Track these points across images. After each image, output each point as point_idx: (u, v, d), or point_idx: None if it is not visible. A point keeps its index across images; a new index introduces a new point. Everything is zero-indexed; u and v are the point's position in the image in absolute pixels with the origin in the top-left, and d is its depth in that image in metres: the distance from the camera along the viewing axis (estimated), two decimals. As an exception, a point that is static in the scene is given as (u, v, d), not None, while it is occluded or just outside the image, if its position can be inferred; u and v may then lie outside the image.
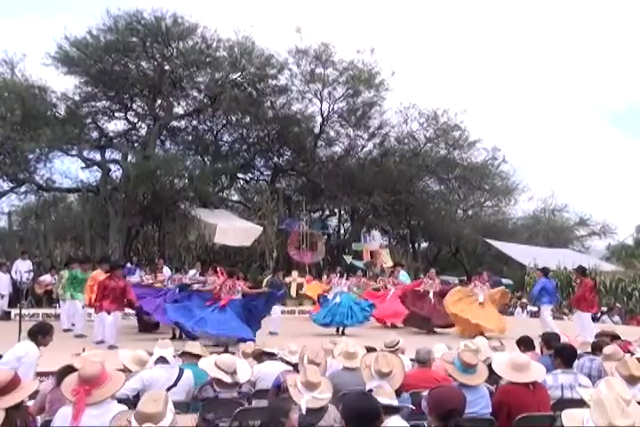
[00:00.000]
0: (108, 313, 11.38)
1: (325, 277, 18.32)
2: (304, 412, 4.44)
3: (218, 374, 5.54)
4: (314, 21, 52.47)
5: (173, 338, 11.68)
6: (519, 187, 33.23)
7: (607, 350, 6.63)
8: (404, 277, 18.53)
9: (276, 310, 14.63)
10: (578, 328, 12.95)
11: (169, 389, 5.52)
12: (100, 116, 24.41)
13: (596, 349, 6.93)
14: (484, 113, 58.74)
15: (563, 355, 5.87)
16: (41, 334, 6.46)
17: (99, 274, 12.76)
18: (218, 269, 13.09)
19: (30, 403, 4.79)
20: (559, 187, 77.83)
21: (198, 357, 6.33)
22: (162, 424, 3.72)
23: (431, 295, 15.13)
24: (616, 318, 20.94)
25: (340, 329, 14.59)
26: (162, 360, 5.87)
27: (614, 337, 8.09)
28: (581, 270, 14.47)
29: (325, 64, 25.66)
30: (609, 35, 68.61)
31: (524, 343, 7.17)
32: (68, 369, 4.98)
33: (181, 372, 5.79)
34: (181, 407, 5.25)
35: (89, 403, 4.13)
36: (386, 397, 4.31)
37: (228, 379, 5.52)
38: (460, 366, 5.31)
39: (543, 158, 65.26)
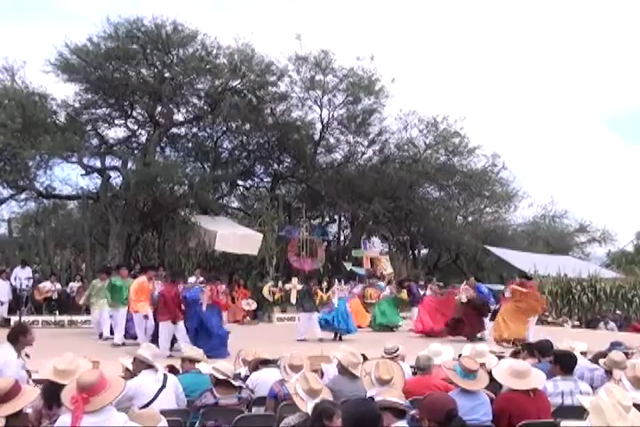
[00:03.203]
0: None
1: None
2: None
3: (220, 376, 5.54)
4: (314, 28, 52.75)
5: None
6: (519, 193, 33.28)
7: (609, 357, 6.60)
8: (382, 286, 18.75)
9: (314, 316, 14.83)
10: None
11: (159, 391, 5.52)
12: (101, 124, 24.40)
13: (600, 357, 6.90)
14: (483, 119, 58.94)
15: (562, 362, 5.87)
16: (22, 334, 6.36)
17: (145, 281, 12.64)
18: None
19: (30, 411, 4.76)
20: (559, 193, 77.84)
21: (196, 362, 6.36)
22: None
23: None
24: (611, 324, 20.91)
25: (338, 335, 14.70)
26: (146, 366, 5.84)
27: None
28: (525, 276, 14.96)
29: (325, 71, 25.70)
30: (608, 40, 68.83)
31: (528, 350, 7.16)
32: (50, 385, 4.90)
33: (165, 376, 5.77)
34: (181, 415, 5.25)
35: (87, 411, 4.11)
36: (395, 397, 4.34)
37: (230, 380, 5.51)
38: (460, 371, 5.33)
39: (543, 165, 65.37)
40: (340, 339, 14.53)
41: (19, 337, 6.35)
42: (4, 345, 6.40)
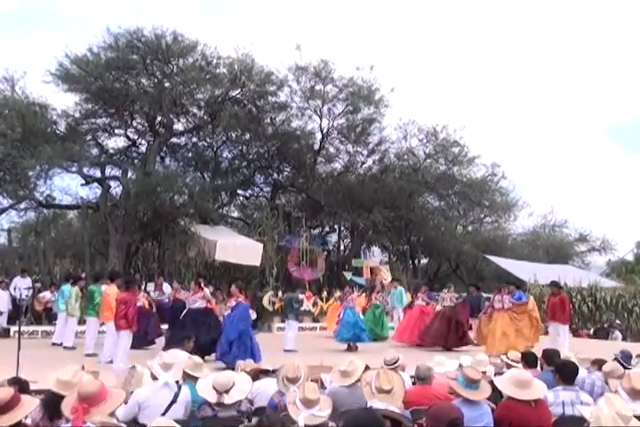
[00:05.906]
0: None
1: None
2: None
3: (206, 393, 5.33)
4: (313, 39, 52.98)
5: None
6: (519, 203, 33.36)
7: (607, 367, 6.59)
8: (400, 294, 18.34)
9: (293, 325, 14.75)
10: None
11: (170, 406, 5.44)
12: (100, 133, 24.43)
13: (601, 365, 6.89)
14: (483, 129, 59.01)
15: (563, 372, 5.84)
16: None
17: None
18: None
19: (29, 421, 4.73)
20: (559, 203, 77.97)
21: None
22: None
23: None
24: (616, 334, 20.90)
25: (353, 345, 14.64)
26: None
27: None
28: (557, 285, 14.87)
29: (325, 81, 25.76)
30: (608, 49, 69.12)
31: (527, 360, 7.14)
32: (52, 396, 4.82)
33: (179, 389, 5.68)
34: (180, 425, 5.20)
35: (87, 421, 4.10)
36: (395, 407, 4.34)
37: (213, 399, 5.27)
38: (463, 381, 5.31)
39: (543, 174, 65.47)
40: (356, 349, 14.44)
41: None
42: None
